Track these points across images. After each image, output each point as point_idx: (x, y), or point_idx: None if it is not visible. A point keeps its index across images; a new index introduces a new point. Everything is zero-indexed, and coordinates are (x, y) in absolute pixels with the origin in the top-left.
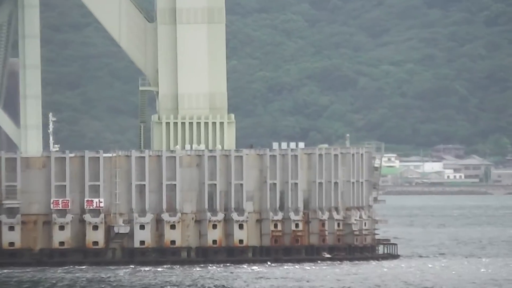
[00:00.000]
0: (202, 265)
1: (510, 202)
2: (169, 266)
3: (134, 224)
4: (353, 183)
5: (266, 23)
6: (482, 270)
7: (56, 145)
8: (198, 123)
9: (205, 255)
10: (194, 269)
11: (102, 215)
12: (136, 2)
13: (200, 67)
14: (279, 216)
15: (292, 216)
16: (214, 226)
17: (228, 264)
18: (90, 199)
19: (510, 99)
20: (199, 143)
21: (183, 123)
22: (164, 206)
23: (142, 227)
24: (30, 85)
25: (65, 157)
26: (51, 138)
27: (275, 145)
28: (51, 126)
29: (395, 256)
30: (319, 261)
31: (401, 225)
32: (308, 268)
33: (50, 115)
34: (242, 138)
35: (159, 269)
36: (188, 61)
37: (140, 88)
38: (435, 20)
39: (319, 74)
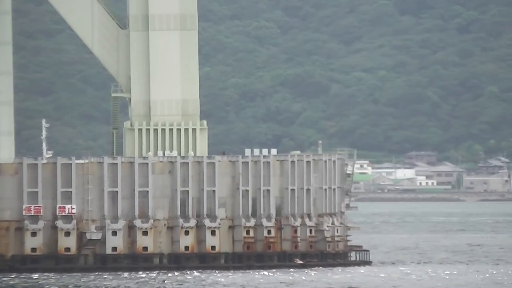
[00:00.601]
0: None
1: (483, 209)
2: (141, 272)
3: (106, 231)
4: (325, 189)
5: (239, 30)
6: (455, 276)
7: (49, 151)
8: (171, 130)
9: (177, 261)
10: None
11: (74, 222)
12: (109, 9)
13: (173, 73)
14: (252, 222)
15: (265, 222)
16: (187, 233)
17: (200, 271)
18: (62, 205)
19: (482, 106)
20: (171, 149)
21: (155, 130)
22: (137, 213)
23: (114, 233)
24: (2, 92)
25: (37, 164)
26: (44, 144)
27: (247, 151)
28: (44, 132)
29: (367, 263)
30: (291, 268)
31: (373, 232)
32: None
33: (43, 121)
34: (215, 145)
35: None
36: (160, 67)
37: (113, 95)
38: (408, 27)
39: (292, 81)
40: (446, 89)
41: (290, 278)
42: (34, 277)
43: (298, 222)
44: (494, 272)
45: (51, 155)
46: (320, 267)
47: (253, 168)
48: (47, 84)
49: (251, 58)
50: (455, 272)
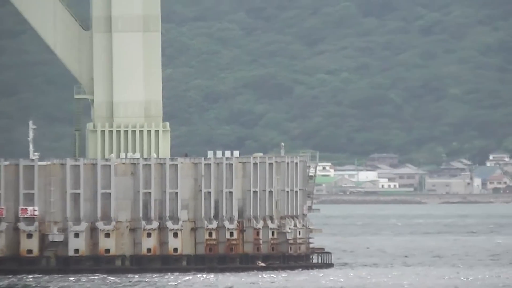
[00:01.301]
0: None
1: (444, 211)
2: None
3: (68, 233)
4: (287, 192)
5: (202, 31)
6: (416, 279)
7: (36, 153)
8: (133, 132)
9: (139, 263)
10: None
11: (36, 223)
12: (71, 10)
13: (136, 75)
14: (214, 224)
15: (227, 224)
16: (149, 235)
17: (161, 274)
18: (24, 207)
19: (445, 108)
20: (134, 151)
21: (118, 132)
22: (99, 215)
23: (76, 235)
24: None
25: None
26: (31, 146)
27: (210, 153)
28: (31, 134)
29: (329, 265)
30: (253, 270)
31: (336, 234)
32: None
33: (30, 122)
34: (178, 147)
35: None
36: (123, 69)
37: (75, 96)
38: (371, 29)
39: (255, 82)
40: (409, 91)
41: (260, 283)
42: None
43: (260, 224)
44: (451, 276)
45: (37, 157)
46: (282, 270)
47: (216, 170)
48: (10, 85)
49: (214, 59)
50: (417, 274)
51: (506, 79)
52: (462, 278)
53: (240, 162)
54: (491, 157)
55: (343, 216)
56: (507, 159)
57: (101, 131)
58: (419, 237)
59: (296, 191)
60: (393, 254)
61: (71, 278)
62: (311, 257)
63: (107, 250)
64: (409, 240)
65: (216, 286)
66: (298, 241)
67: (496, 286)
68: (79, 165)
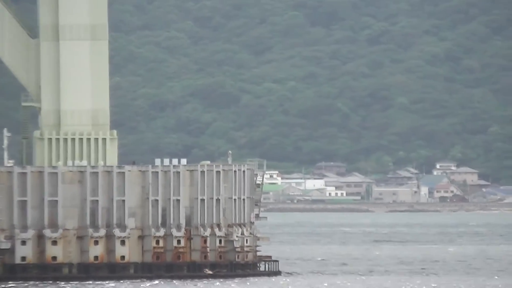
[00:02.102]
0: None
1: (391, 219)
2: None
3: (15, 240)
4: (235, 200)
5: (149, 40)
6: (360, 286)
7: (10, 161)
8: (81, 139)
9: (86, 271)
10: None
11: None
12: (19, 19)
13: (83, 83)
14: (161, 232)
15: (174, 232)
16: (96, 242)
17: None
18: None
19: (392, 117)
20: (81, 159)
21: (65, 139)
22: (46, 222)
23: (23, 242)
24: None
25: None
26: (5, 154)
27: (157, 161)
28: (5, 141)
29: (276, 273)
30: (200, 278)
31: (283, 242)
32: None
33: (5, 130)
34: (125, 155)
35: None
36: (71, 77)
37: (23, 104)
38: (318, 39)
39: (202, 91)
40: (356, 100)
41: None
42: None
43: (207, 232)
44: (388, 282)
45: (12, 164)
46: (230, 278)
47: (163, 178)
48: None
49: (162, 68)
50: (361, 282)
51: (453, 88)
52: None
53: (187, 170)
54: (438, 166)
55: (290, 224)
56: (453, 168)
57: (49, 139)
58: (366, 245)
59: (244, 199)
60: (340, 263)
61: (15, 285)
62: (258, 265)
63: (54, 258)
64: (355, 249)
65: None
66: (246, 249)
67: None
68: (26, 173)
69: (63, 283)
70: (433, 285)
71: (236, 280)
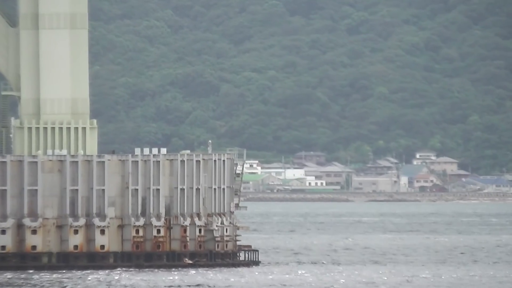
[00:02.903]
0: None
1: (372, 209)
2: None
3: None
4: (215, 189)
5: (129, 29)
6: (340, 277)
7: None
8: (60, 128)
9: (66, 260)
10: None
11: None
12: None
13: (63, 72)
14: (141, 222)
15: (154, 222)
16: (76, 232)
17: (88, 270)
18: None
19: (371, 107)
20: (61, 148)
21: (45, 128)
22: (26, 211)
23: (3, 232)
24: None
25: None
26: None
27: (137, 150)
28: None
29: (256, 263)
30: (180, 268)
31: (263, 232)
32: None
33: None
34: (105, 144)
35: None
36: (50, 66)
37: (2, 93)
38: (298, 28)
39: (182, 80)
40: (336, 89)
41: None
42: None
43: (187, 222)
44: (372, 273)
45: None
46: (209, 267)
47: (143, 167)
48: None
49: (141, 57)
50: (341, 274)
51: (432, 78)
52: (375, 276)
53: (167, 160)
54: (417, 156)
55: (270, 214)
56: (433, 158)
57: (28, 127)
58: (346, 235)
59: (223, 189)
60: (321, 252)
61: None
62: (238, 254)
63: (34, 247)
64: (335, 238)
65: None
66: (225, 238)
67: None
68: (5, 162)
69: (42, 272)
70: (425, 275)
71: (216, 269)
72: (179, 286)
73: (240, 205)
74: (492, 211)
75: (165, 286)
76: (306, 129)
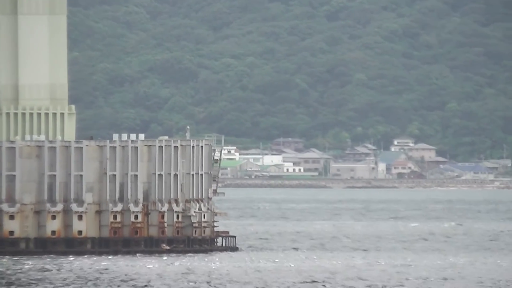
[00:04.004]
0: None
1: (349, 195)
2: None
3: None
4: (193, 175)
5: (108, 15)
6: (319, 263)
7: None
8: (39, 114)
9: (43, 246)
10: None
11: None
12: None
13: (41, 58)
14: (119, 207)
15: (132, 207)
16: (53, 217)
17: (65, 256)
18: None
19: (350, 93)
20: (39, 134)
21: (23, 114)
22: (3, 197)
23: None
24: None
25: None
26: None
27: (115, 136)
28: None
29: (233, 249)
30: (157, 253)
31: (241, 218)
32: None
33: None
34: (83, 130)
35: None
36: (29, 52)
37: None
38: (276, 14)
39: (160, 66)
40: (314, 76)
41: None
42: None
43: (165, 208)
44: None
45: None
46: (187, 253)
47: (121, 153)
48: None
49: (120, 43)
50: (317, 259)
51: (411, 65)
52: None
53: (145, 145)
54: (395, 142)
55: (248, 200)
56: (411, 145)
57: (6, 113)
58: (323, 221)
59: (201, 175)
60: (299, 239)
61: None
62: (215, 240)
63: (11, 233)
64: (313, 225)
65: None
66: (203, 224)
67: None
68: None
69: (20, 257)
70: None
71: (193, 255)
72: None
73: (218, 191)
74: (463, 197)
75: (143, 273)
76: (285, 116)
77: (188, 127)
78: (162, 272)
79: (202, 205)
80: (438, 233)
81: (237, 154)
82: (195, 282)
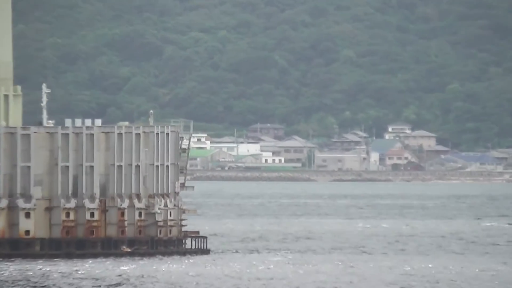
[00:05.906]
0: None
1: (335, 189)
2: None
3: None
4: (157, 166)
5: None
6: (296, 266)
7: (50, 121)
8: None
9: None
10: None
11: None
12: None
13: None
14: (72, 203)
15: (87, 204)
16: None
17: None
18: None
19: (337, 72)
20: None
21: None
22: None
23: None
24: None
25: None
26: (44, 112)
27: (67, 122)
28: (44, 99)
29: (204, 251)
30: (117, 256)
31: (212, 216)
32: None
33: (44, 85)
34: (30, 114)
35: None
36: None
37: None
38: None
39: (119, 41)
40: (296, 53)
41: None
42: None
43: (125, 204)
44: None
45: (52, 125)
46: (151, 256)
47: (74, 141)
48: None
49: (73, 15)
50: (293, 262)
51: (406, 40)
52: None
53: (102, 132)
54: (390, 129)
55: (220, 195)
56: (408, 132)
57: None
58: (304, 219)
59: (167, 166)
60: (276, 239)
61: None
62: (184, 241)
63: None
64: (293, 223)
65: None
66: (169, 223)
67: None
68: None
69: None
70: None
71: (158, 258)
72: (119, 276)
73: (186, 184)
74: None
75: (99, 278)
76: (262, 98)
77: (151, 111)
78: (118, 279)
79: (168, 201)
80: None
81: (208, 142)
82: None
